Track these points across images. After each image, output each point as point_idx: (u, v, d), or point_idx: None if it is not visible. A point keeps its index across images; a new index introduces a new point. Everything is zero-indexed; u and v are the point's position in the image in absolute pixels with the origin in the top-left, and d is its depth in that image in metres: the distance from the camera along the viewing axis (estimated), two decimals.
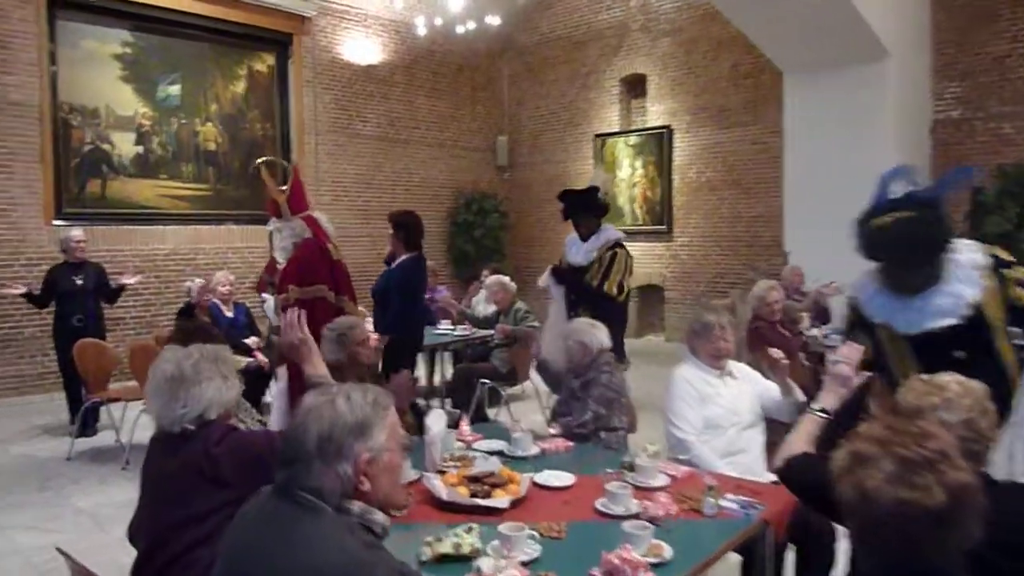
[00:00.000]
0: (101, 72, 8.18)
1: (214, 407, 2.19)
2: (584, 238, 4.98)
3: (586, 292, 4.82)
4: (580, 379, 3.59)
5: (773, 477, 3.13)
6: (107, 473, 5.37)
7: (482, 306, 7.16)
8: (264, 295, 6.58)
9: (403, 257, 5.36)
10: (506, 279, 6.24)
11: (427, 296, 7.71)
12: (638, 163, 10.69)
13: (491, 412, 6.40)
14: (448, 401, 6.80)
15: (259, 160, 5.66)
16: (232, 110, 9.26)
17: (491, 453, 3.03)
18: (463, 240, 11.22)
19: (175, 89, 8.77)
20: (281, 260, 4.66)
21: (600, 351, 3.59)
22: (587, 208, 5.10)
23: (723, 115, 9.91)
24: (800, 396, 3.19)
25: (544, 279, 4.98)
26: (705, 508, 2.42)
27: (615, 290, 4.76)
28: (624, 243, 5.11)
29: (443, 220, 11.40)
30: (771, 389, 3.28)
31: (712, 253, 10.12)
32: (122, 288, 6.68)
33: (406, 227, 5.35)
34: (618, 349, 4.40)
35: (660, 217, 10.49)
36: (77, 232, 6.58)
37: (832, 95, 7.79)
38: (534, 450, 3.08)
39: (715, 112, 9.98)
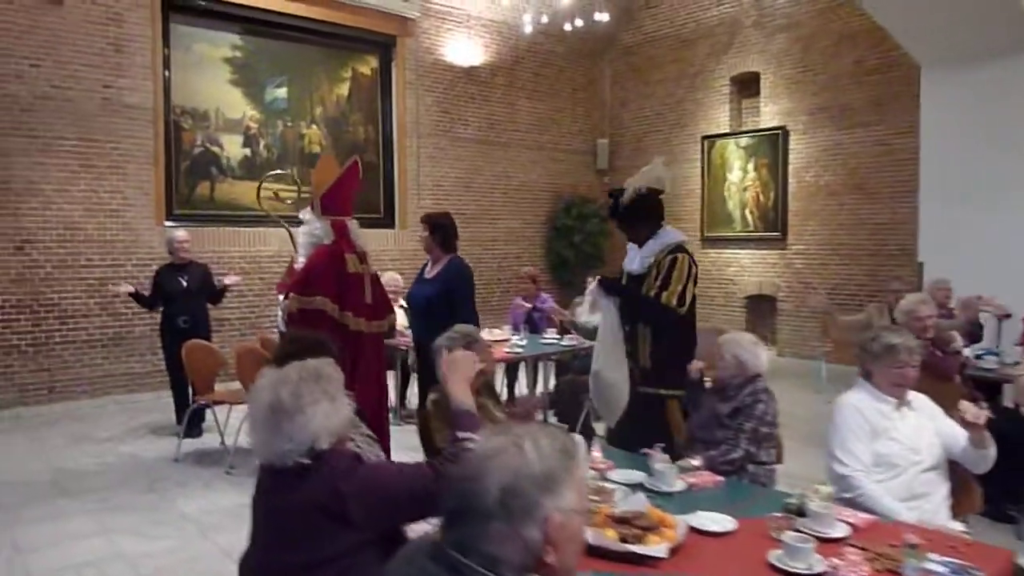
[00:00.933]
0: (212, 75, 8.28)
1: (324, 436, 1.89)
2: (640, 243, 4.04)
3: (643, 305, 4.00)
4: (729, 403, 3.20)
5: (960, 527, 2.69)
6: (212, 477, 5.30)
7: (586, 316, 6.81)
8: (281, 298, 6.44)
9: (446, 259, 4.88)
10: None
11: (530, 305, 7.45)
12: (750, 166, 10.13)
13: (598, 427, 6.05)
14: (550, 414, 6.50)
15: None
16: (335, 113, 9.24)
17: (629, 486, 2.69)
18: (562, 245, 10.90)
19: (282, 92, 8.80)
20: (301, 260, 4.45)
21: (756, 375, 3.19)
22: (640, 212, 3.99)
23: (844, 115, 9.25)
24: (993, 451, 2.70)
25: (591, 293, 4.14)
26: (907, 571, 2.01)
27: (675, 301, 3.86)
28: (686, 247, 4.11)
29: (541, 225, 11.13)
30: (955, 430, 2.80)
31: (831, 262, 9.46)
32: (225, 289, 6.67)
33: (443, 229, 4.92)
34: (678, 376, 3.81)
35: (774, 223, 9.89)
36: (181, 233, 6.61)
37: (977, 90, 7.08)
38: (680, 485, 2.72)
39: (835, 112, 9.33)
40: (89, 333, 7.47)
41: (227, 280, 6.64)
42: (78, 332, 7.41)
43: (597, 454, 2.99)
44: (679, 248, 3.93)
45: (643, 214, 3.97)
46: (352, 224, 4.33)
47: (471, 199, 10.31)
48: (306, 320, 4.05)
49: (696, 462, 3.01)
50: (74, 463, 5.63)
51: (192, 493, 4.98)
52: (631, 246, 4.12)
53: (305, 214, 4.44)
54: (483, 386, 3.48)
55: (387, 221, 9.62)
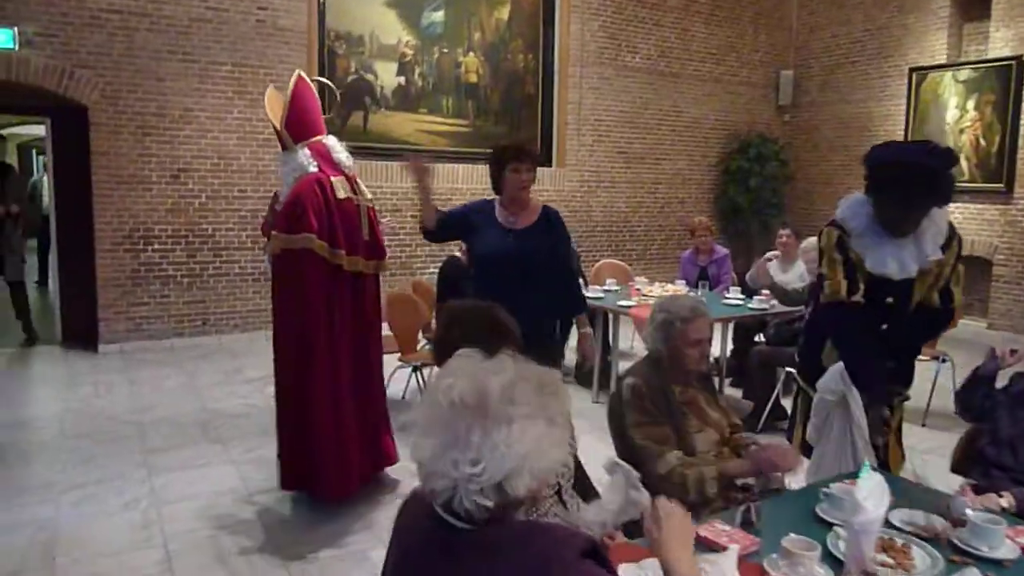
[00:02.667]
0: None
1: (524, 475, 1.20)
2: (904, 232, 2.59)
3: (934, 329, 2.92)
4: None
5: None
6: None
7: (781, 274, 5.84)
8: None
9: (540, 206, 3.61)
10: None
11: (707, 260, 6.55)
12: (970, 104, 8.56)
13: (787, 404, 5.18)
14: (726, 383, 5.66)
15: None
16: (494, 39, 8.52)
17: (922, 537, 1.88)
18: (736, 190, 9.79)
19: (439, 15, 8.17)
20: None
21: None
22: (935, 189, 2.53)
23: None
24: None
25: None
26: None
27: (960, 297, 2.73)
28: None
29: (711, 167, 10.03)
30: None
31: None
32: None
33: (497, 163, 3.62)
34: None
35: (996, 173, 8.34)
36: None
37: None
38: (1008, 549, 1.86)
39: None
40: (241, 266, 7.29)
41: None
42: (231, 265, 7.24)
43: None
44: (951, 227, 2.70)
45: (943, 186, 2.54)
46: (331, 142, 3.75)
47: (635, 136, 9.38)
48: (292, 262, 3.53)
49: (1004, 503, 2.14)
50: (222, 403, 5.41)
51: None
52: (877, 240, 2.63)
53: (279, 157, 3.86)
54: (695, 384, 2.73)
55: (543, 159, 8.89)
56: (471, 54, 8.39)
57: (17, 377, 6.06)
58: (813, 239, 4.94)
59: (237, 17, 7.00)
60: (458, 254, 5.66)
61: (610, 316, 5.81)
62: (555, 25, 8.75)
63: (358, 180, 3.81)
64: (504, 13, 8.51)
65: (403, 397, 5.42)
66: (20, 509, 3.70)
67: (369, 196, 3.86)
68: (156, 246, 6.92)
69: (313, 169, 3.60)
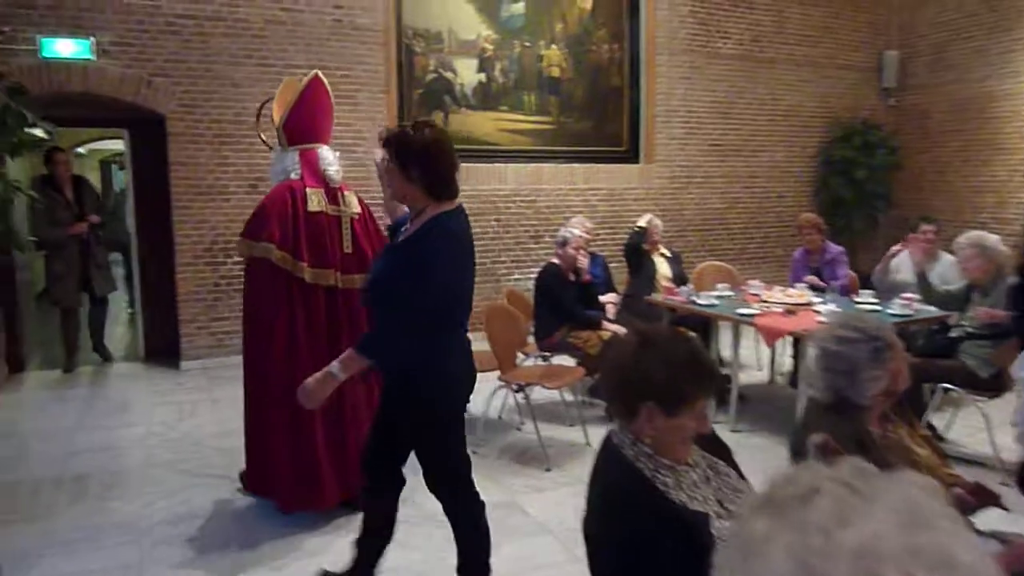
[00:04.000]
0: None
1: None
2: None
3: None
4: None
5: None
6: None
7: (909, 274, 5.21)
8: None
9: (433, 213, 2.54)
10: (991, 239, 4.22)
11: (820, 260, 5.94)
12: None
13: (937, 422, 4.56)
14: None
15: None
16: (577, 30, 8.05)
17: None
18: (840, 182, 9.06)
19: (519, 7, 7.75)
20: None
21: None
22: None
23: None
24: None
25: None
26: None
27: None
28: None
29: (810, 157, 9.33)
30: None
31: None
32: None
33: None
34: None
35: None
36: None
37: None
38: None
39: None
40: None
41: None
42: None
43: None
44: None
45: None
46: (323, 152, 3.59)
47: (729, 127, 8.77)
48: (254, 270, 3.48)
49: None
50: None
51: None
52: None
53: (274, 151, 3.73)
54: (892, 407, 2.21)
55: (631, 155, 8.37)
56: (553, 47, 7.95)
57: (99, 397, 5.88)
58: (975, 234, 4.32)
59: (312, 18, 6.72)
60: (556, 260, 5.22)
61: (715, 325, 5.27)
62: (641, 13, 8.23)
63: (345, 192, 3.63)
64: (587, 2, 8.03)
65: (499, 417, 5.00)
66: (105, 552, 3.41)
67: (357, 209, 3.65)
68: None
69: (294, 176, 3.50)
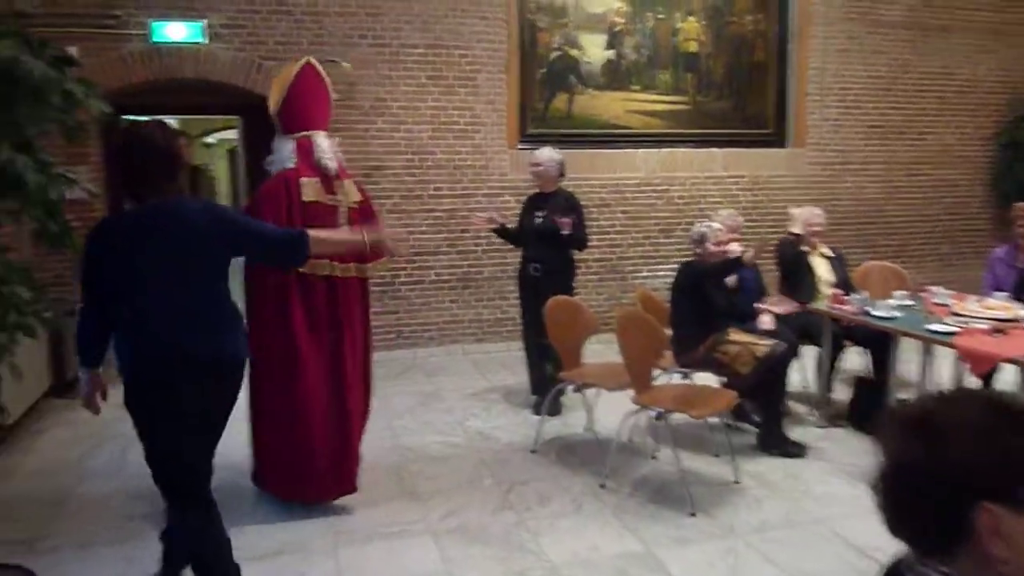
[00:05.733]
0: None
1: None
2: None
3: None
4: None
5: None
6: (581, 490, 3.88)
7: None
8: None
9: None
10: None
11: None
12: None
13: None
14: None
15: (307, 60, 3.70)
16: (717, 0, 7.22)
17: None
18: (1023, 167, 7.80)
19: None
20: None
21: None
22: None
23: None
24: None
25: None
26: None
27: None
28: None
29: (986, 140, 8.09)
30: None
31: None
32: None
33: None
34: None
35: None
36: (539, 153, 5.14)
37: None
38: None
39: None
40: (437, 273, 6.55)
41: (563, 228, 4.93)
42: (425, 272, 6.52)
43: None
44: None
45: None
46: (318, 140, 3.54)
47: (891, 106, 7.68)
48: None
49: None
50: (418, 440, 4.62)
51: (558, 524, 3.55)
52: None
53: (274, 142, 3.68)
54: None
55: (777, 138, 7.46)
56: (691, 18, 7.14)
57: None
58: None
59: None
60: (696, 255, 4.50)
61: (895, 343, 4.40)
62: None
63: (343, 180, 3.59)
64: None
65: (629, 440, 4.35)
66: None
67: (356, 198, 3.62)
68: None
69: (290, 165, 3.50)
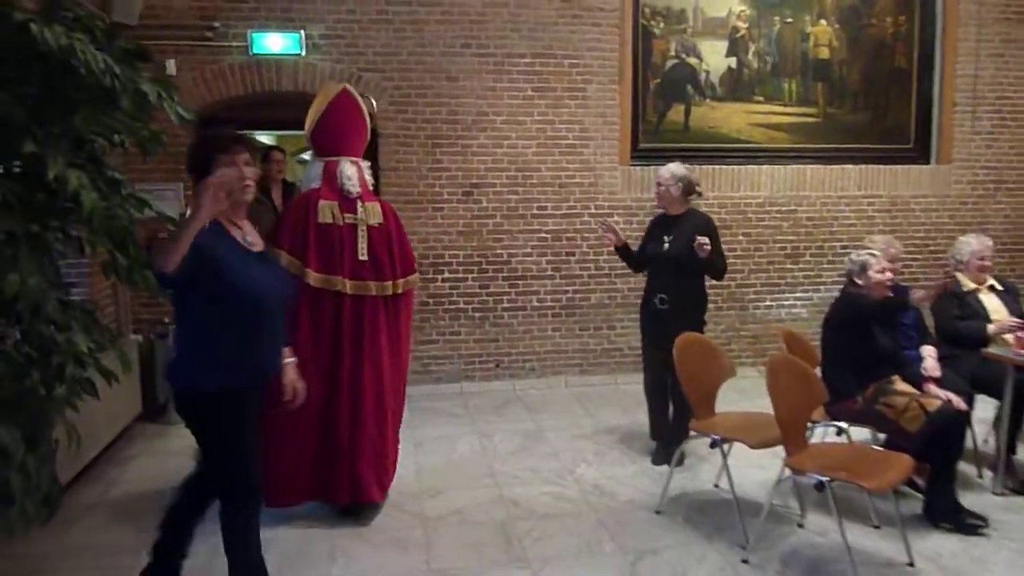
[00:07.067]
0: None
1: None
2: None
3: None
4: None
5: None
6: (722, 567, 3.29)
7: None
8: None
9: None
10: None
11: None
12: None
13: None
14: None
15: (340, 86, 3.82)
16: (853, 0, 6.52)
17: None
18: None
19: None
20: None
21: None
22: None
23: None
24: None
25: None
26: None
27: None
28: None
29: None
30: None
31: None
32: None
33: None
34: None
35: None
36: (662, 171, 4.57)
37: None
38: None
39: None
40: (540, 298, 6.08)
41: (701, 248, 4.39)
42: (527, 297, 6.06)
43: None
44: None
45: None
46: (344, 166, 3.66)
47: None
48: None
49: None
50: (525, 490, 4.12)
51: None
52: None
53: (308, 162, 3.92)
54: None
55: (919, 154, 6.67)
56: (822, 22, 6.48)
57: None
58: None
59: None
60: (857, 285, 3.86)
61: None
62: None
63: (367, 203, 3.69)
64: None
65: (770, 505, 3.73)
66: None
67: (378, 219, 3.70)
68: (447, 274, 5.94)
69: (315, 186, 3.65)
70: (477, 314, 6.01)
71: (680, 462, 4.28)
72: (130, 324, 5.42)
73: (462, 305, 5.98)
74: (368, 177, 3.78)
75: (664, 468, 4.25)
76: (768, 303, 6.36)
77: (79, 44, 1.75)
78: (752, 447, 3.50)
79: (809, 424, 3.69)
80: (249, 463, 2.60)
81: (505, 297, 6.01)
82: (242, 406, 2.54)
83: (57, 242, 1.89)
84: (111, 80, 1.86)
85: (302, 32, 5.45)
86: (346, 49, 5.57)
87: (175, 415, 5.37)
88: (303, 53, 5.48)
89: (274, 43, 5.42)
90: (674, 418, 4.43)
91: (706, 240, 4.09)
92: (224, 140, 2.49)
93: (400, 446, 4.09)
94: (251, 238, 2.65)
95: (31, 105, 1.84)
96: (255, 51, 5.41)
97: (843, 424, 3.76)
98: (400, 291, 3.80)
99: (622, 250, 4.56)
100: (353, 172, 3.64)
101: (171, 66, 5.35)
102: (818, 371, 3.77)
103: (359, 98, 3.78)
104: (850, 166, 6.45)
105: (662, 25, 6.20)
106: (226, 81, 5.47)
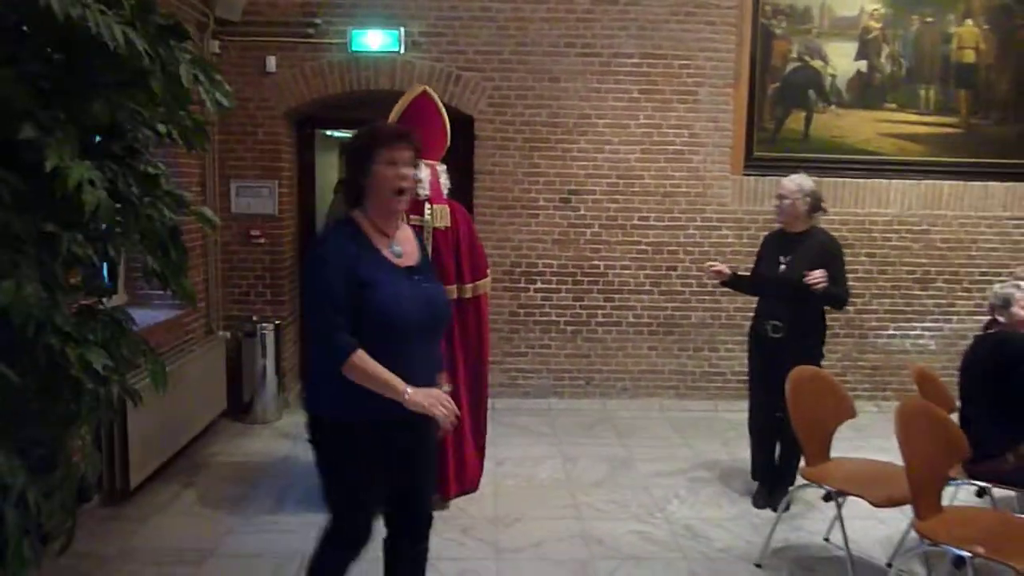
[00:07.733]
0: None
1: None
2: None
3: None
4: None
5: None
6: None
7: None
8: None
9: None
10: None
11: None
12: None
13: None
14: None
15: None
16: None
17: None
18: None
19: None
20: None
21: None
22: None
23: None
24: None
25: None
26: None
27: None
28: None
29: None
30: None
31: None
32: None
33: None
34: None
35: None
36: (786, 182, 4.12)
37: None
38: None
39: None
40: (636, 314, 5.71)
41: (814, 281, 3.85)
42: (623, 312, 5.70)
43: None
44: None
45: None
46: (439, 169, 3.79)
47: None
48: None
49: None
50: (612, 527, 3.78)
51: None
52: None
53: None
54: None
55: None
56: (968, 22, 5.82)
57: None
58: None
59: None
60: (997, 324, 3.35)
61: None
62: None
63: (435, 205, 3.70)
64: None
65: (888, 565, 3.25)
66: None
67: (444, 222, 3.70)
68: (539, 284, 5.66)
69: (425, 194, 3.65)
70: (569, 327, 5.69)
71: (786, 508, 3.84)
72: (220, 321, 5.40)
73: (554, 317, 5.68)
74: (444, 180, 3.79)
75: (766, 513, 3.85)
76: (891, 332, 5.76)
77: (93, 15, 1.52)
78: (875, 505, 3.04)
79: (947, 480, 3.19)
80: (367, 510, 2.32)
81: (600, 311, 5.67)
82: (385, 440, 2.22)
83: (76, 244, 1.69)
84: (145, 58, 1.63)
85: (401, 29, 5.29)
86: (446, 47, 5.38)
87: (259, 414, 5.37)
88: (402, 51, 5.32)
89: (373, 40, 5.29)
90: (782, 459, 3.99)
91: (820, 274, 3.62)
92: (388, 134, 2.27)
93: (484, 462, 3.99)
94: (400, 247, 2.32)
95: (44, 86, 1.64)
96: (354, 48, 5.29)
97: (986, 484, 3.24)
98: (468, 296, 3.79)
99: (733, 282, 4.12)
100: (426, 175, 3.62)
101: (271, 63, 5.31)
102: (954, 416, 3.28)
103: (439, 101, 3.80)
104: (995, 183, 5.76)
105: (784, 24, 5.71)
106: (325, 79, 5.38)
